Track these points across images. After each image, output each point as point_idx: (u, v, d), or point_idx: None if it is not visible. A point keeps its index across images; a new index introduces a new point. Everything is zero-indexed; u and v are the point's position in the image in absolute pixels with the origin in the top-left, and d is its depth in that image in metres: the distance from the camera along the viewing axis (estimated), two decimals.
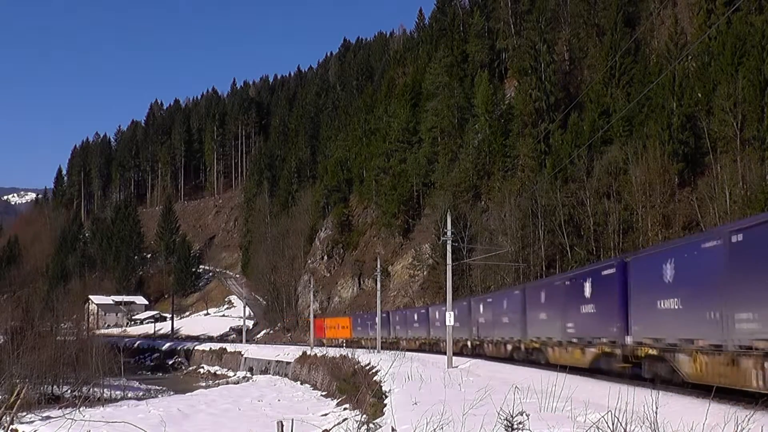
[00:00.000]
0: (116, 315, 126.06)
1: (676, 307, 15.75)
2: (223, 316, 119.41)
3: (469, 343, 37.91)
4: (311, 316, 68.80)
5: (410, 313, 52.71)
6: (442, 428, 10.31)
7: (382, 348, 48.77)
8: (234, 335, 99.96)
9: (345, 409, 30.23)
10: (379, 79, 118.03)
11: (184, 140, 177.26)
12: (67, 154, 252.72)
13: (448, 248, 32.42)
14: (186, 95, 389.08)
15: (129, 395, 49.78)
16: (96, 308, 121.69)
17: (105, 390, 48.79)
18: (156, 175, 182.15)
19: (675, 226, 46.40)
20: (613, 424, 8.78)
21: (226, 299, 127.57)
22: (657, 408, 9.05)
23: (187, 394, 48.38)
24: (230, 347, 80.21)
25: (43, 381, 45.85)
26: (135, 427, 10.12)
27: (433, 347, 45.08)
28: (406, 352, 40.74)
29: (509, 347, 30.78)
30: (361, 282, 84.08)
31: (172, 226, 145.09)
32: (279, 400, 40.23)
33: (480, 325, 35.87)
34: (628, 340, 18.35)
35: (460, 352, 38.07)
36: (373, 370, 30.30)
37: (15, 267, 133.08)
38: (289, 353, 60.80)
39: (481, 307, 35.90)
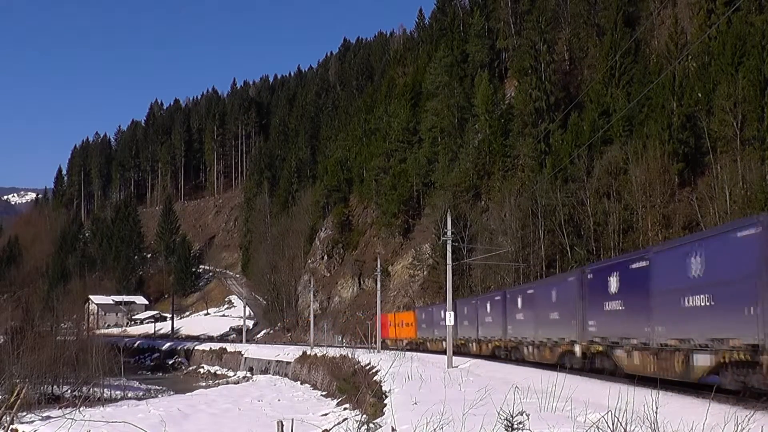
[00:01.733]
0: (116, 315, 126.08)
1: None
2: (223, 316, 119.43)
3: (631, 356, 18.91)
4: (311, 316, 68.83)
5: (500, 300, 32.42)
6: (442, 428, 10.31)
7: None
8: (234, 335, 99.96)
9: (345, 409, 30.22)
10: (379, 79, 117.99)
11: (184, 140, 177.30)
12: (67, 154, 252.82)
13: (448, 248, 32.42)
14: (186, 95, 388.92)
15: (129, 395, 49.77)
16: (96, 308, 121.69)
17: (105, 390, 48.78)
18: (156, 175, 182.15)
19: (675, 226, 46.39)
20: (613, 424, 8.77)
21: (226, 299, 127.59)
22: (657, 408, 9.05)
23: (187, 394, 48.36)
24: (230, 347, 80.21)
25: (43, 381, 45.83)
26: (135, 427, 10.12)
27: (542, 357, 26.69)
28: (407, 353, 40.61)
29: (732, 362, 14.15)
30: (361, 282, 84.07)
31: (172, 226, 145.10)
32: (279, 400, 40.21)
33: (658, 314, 17.55)
34: None
35: (598, 369, 21.42)
36: (373, 370, 30.30)
37: (15, 267, 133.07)
38: (289, 353, 60.80)
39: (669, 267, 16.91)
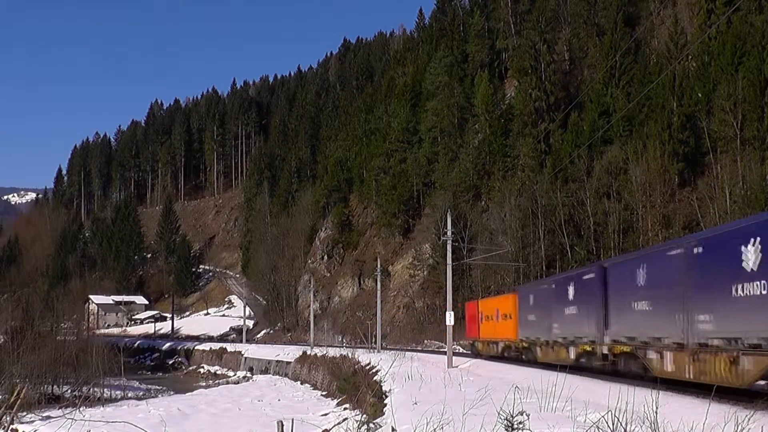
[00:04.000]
0: (116, 315, 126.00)
1: None
2: (223, 315, 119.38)
3: None
4: (311, 315, 68.78)
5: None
6: (442, 428, 10.31)
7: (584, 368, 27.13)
8: (234, 335, 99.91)
9: (345, 408, 30.21)
10: (379, 79, 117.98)
11: (184, 140, 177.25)
12: (67, 154, 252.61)
13: (448, 248, 32.44)
14: (186, 95, 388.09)
15: (129, 395, 49.65)
16: (96, 308, 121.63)
17: (105, 390, 48.66)
18: (156, 175, 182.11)
19: (675, 226, 46.40)
20: (613, 424, 8.77)
21: (226, 299, 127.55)
22: (657, 408, 9.04)
23: (187, 394, 48.27)
24: (230, 347, 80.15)
25: (43, 381, 45.72)
26: (135, 426, 10.13)
27: None
28: (407, 352, 40.51)
29: None
30: (361, 282, 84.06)
31: (172, 226, 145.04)
32: (279, 400, 40.15)
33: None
34: None
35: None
36: (373, 370, 30.29)
37: (15, 267, 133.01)
38: (289, 353, 60.77)
39: None
